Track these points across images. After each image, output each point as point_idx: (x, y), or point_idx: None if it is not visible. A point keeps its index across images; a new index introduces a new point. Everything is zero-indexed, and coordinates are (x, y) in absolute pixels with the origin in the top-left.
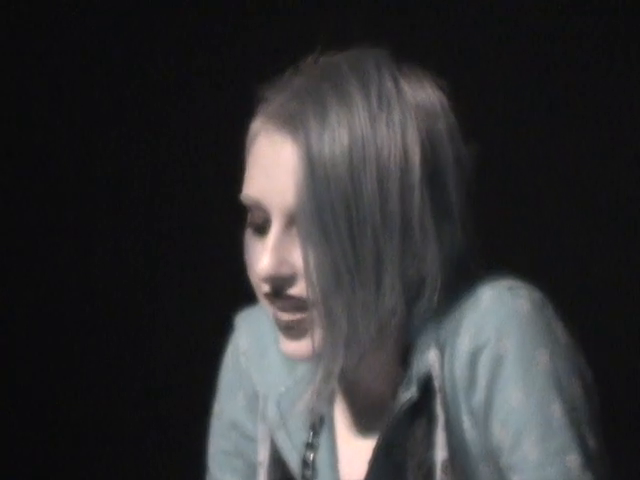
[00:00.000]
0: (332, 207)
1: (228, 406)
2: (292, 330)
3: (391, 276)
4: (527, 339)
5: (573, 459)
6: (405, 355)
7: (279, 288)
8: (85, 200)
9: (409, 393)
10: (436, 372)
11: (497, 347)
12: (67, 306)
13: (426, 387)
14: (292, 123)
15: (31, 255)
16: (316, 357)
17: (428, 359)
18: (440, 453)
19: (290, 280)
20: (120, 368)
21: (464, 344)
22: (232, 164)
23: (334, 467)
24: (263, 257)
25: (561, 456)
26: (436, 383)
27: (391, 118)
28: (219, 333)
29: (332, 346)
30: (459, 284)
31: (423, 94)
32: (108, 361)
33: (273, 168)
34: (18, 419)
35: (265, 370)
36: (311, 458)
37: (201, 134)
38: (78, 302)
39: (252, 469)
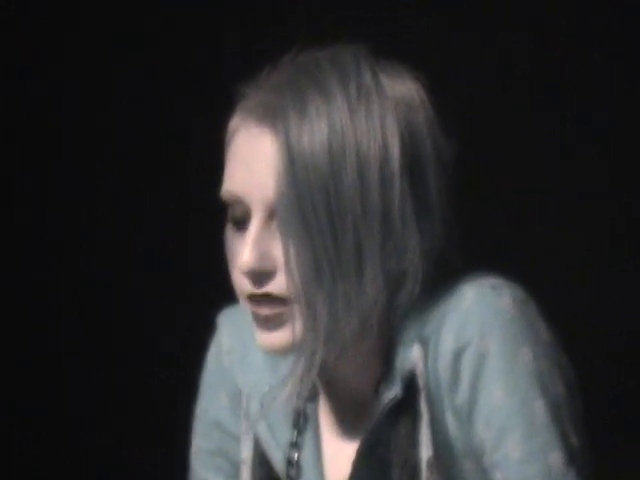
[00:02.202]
0: (312, 199)
1: (211, 406)
2: (269, 323)
3: (372, 268)
4: (510, 338)
5: (556, 456)
6: (387, 351)
7: (260, 283)
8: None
9: (393, 391)
10: (420, 370)
11: (480, 346)
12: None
13: (410, 385)
14: (271, 116)
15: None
16: (296, 350)
17: (411, 356)
18: (425, 451)
19: (271, 274)
20: (104, 368)
21: (447, 342)
22: (214, 162)
23: (319, 466)
24: (244, 251)
25: (544, 454)
26: (420, 381)
27: (370, 110)
28: (202, 333)
29: (312, 339)
30: (440, 277)
31: (402, 87)
32: (91, 362)
33: (252, 162)
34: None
35: (248, 369)
36: (295, 457)
37: (183, 133)
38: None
39: (236, 468)
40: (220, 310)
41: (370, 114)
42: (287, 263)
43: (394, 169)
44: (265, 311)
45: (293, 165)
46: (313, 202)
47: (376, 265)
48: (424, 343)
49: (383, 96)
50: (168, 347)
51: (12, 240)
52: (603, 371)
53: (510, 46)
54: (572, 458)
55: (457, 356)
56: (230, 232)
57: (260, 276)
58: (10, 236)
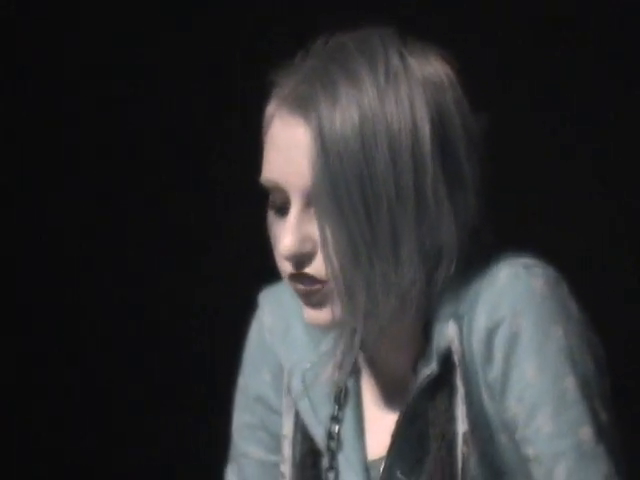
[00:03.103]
0: (346, 184)
1: (253, 381)
2: (311, 298)
3: (408, 248)
4: (542, 316)
5: (586, 431)
6: (425, 329)
7: (301, 265)
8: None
9: (430, 367)
10: (455, 346)
11: (513, 324)
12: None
13: (446, 361)
14: (304, 106)
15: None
16: (337, 329)
17: (447, 333)
18: (461, 425)
19: (311, 257)
20: (146, 349)
21: (481, 320)
22: (253, 148)
23: (360, 439)
24: (285, 236)
25: (574, 429)
26: (456, 357)
27: (399, 93)
28: (243, 312)
29: (352, 319)
30: (475, 254)
31: (429, 68)
32: (133, 339)
33: (289, 150)
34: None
35: (290, 346)
36: (336, 430)
37: (219, 120)
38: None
39: (277, 441)
40: (261, 290)
41: (399, 97)
42: (324, 247)
43: (425, 150)
44: (305, 288)
45: (327, 153)
46: (348, 188)
47: (412, 245)
48: (459, 320)
49: (411, 78)
50: (211, 327)
51: (12, 237)
52: (632, 352)
53: (510, 46)
54: (602, 433)
55: (490, 333)
56: (271, 217)
57: (300, 259)
58: (10, 234)
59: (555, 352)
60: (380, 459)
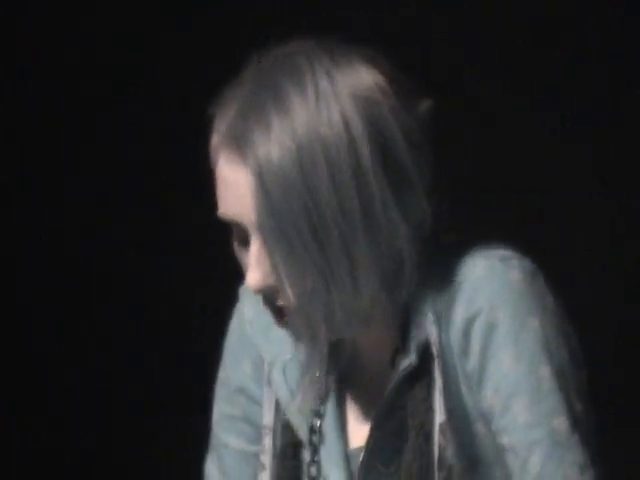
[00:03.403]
0: (293, 218)
1: (234, 372)
2: (287, 327)
3: (365, 270)
4: (518, 308)
5: (561, 421)
6: (403, 324)
7: (270, 297)
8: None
9: (409, 359)
10: (434, 339)
11: (490, 316)
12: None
13: (424, 353)
14: (241, 145)
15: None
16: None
17: (426, 326)
18: (438, 416)
19: (277, 289)
20: (128, 340)
21: (459, 313)
22: None
23: (341, 432)
24: (248, 272)
25: (549, 418)
26: (434, 349)
27: (331, 115)
28: (224, 306)
29: (313, 345)
30: (441, 254)
31: (359, 82)
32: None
33: (235, 188)
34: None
35: (270, 338)
36: (318, 424)
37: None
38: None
39: (258, 432)
40: (241, 283)
41: (332, 120)
42: (279, 283)
43: (367, 168)
44: (277, 320)
45: (268, 190)
46: (294, 222)
47: (368, 267)
48: (438, 314)
49: (341, 97)
50: (190, 320)
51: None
52: (607, 345)
53: (510, 45)
54: (576, 423)
55: (468, 325)
56: (236, 247)
57: (268, 291)
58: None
59: (531, 343)
60: (360, 449)
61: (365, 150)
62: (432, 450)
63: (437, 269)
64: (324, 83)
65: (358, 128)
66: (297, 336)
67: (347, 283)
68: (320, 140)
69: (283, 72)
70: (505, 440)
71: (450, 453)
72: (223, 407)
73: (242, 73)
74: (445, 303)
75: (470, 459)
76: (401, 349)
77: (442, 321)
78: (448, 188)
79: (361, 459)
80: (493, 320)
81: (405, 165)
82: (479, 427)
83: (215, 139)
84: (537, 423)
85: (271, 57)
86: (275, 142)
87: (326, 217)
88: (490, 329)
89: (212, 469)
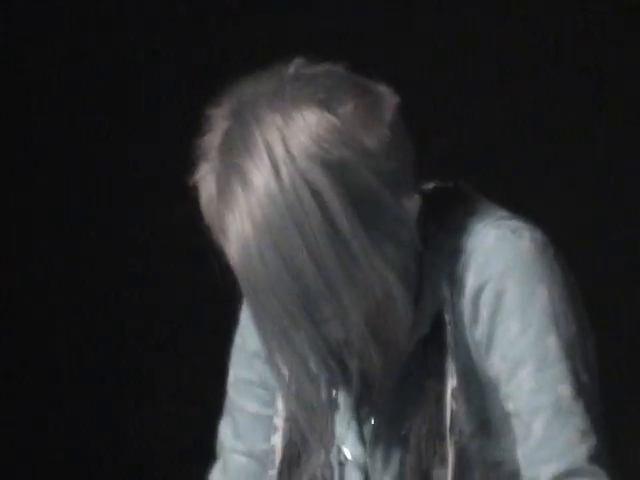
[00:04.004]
0: (283, 308)
1: (250, 337)
2: None
3: (355, 318)
4: (528, 277)
5: (565, 388)
6: (418, 294)
7: None
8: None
9: (422, 328)
10: (447, 307)
11: (499, 284)
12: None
13: (438, 321)
14: (219, 230)
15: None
16: None
17: (439, 296)
18: (450, 381)
19: None
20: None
21: (469, 281)
22: None
23: (355, 399)
24: None
25: (554, 385)
26: (447, 317)
27: (295, 184)
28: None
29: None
30: (452, 221)
31: (315, 135)
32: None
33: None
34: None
35: None
36: (334, 394)
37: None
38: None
39: (272, 396)
40: None
41: (296, 187)
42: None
43: (342, 225)
44: None
45: (251, 281)
46: (283, 305)
47: (358, 317)
48: (450, 282)
49: (299, 160)
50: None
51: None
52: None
53: (509, 45)
54: (580, 391)
55: (477, 293)
56: None
57: None
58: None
59: (539, 312)
60: (373, 412)
61: (338, 212)
62: (444, 415)
63: (450, 239)
64: (280, 153)
65: (327, 192)
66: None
67: (339, 336)
68: (290, 215)
69: (240, 149)
70: (510, 406)
71: (461, 418)
72: (239, 371)
73: (205, 139)
74: (457, 274)
75: (479, 424)
76: (416, 319)
77: (454, 290)
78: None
79: (372, 422)
80: (502, 288)
81: (384, 206)
82: (488, 393)
83: (203, 214)
84: (541, 390)
85: (228, 128)
86: (247, 227)
87: (313, 294)
88: (499, 297)
89: (227, 431)
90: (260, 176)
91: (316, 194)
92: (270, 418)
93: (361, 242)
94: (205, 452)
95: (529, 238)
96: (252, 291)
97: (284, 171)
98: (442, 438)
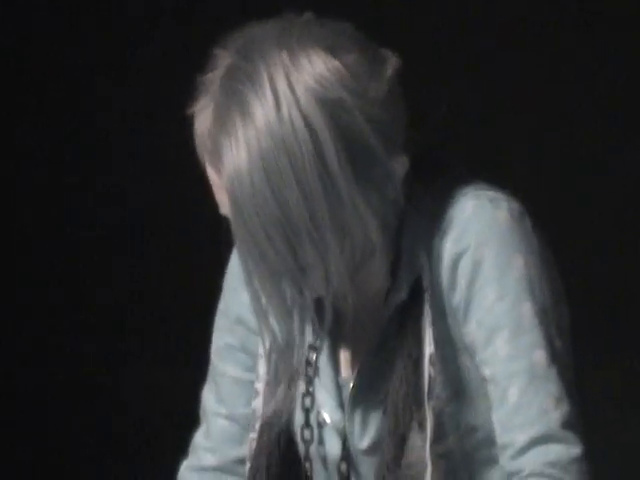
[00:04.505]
0: (264, 228)
1: (233, 303)
2: None
3: (336, 267)
4: (504, 246)
5: (539, 355)
6: (395, 263)
7: None
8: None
9: (400, 295)
10: (425, 274)
11: (476, 252)
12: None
13: (415, 288)
14: (214, 158)
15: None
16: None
17: (417, 264)
18: (428, 347)
19: None
20: (124, 289)
21: (447, 250)
22: None
23: (334, 364)
24: None
25: (528, 352)
26: (425, 284)
27: (294, 121)
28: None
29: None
30: (431, 191)
31: (319, 80)
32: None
33: (219, 192)
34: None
35: None
36: (314, 358)
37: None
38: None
39: (254, 361)
40: None
41: (295, 125)
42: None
43: (333, 167)
44: None
45: (238, 202)
46: (265, 230)
47: (340, 259)
48: (429, 250)
49: (302, 100)
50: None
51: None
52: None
53: (510, 45)
54: (554, 358)
55: (455, 261)
56: None
57: None
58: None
59: (515, 280)
60: (351, 377)
61: (331, 152)
62: (420, 379)
63: (428, 208)
64: (283, 87)
65: (323, 131)
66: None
67: (319, 281)
68: (285, 148)
69: (243, 81)
70: (487, 372)
71: (438, 383)
72: (222, 337)
73: (208, 76)
74: (435, 241)
75: (455, 390)
76: (394, 285)
77: (432, 258)
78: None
79: (351, 385)
80: (479, 257)
81: (373, 150)
82: (464, 359)
83: (197, 144)
84: (517, 356)
85: (233, 62)
86: (242, 153)
87: (297, 226)
88: (476, 265)
89: (209, 396)
90: (260, 107)
91: (312, 130)
92: (252, 383)
93: (348, 184)
94: (192, 418)
95: (506, 208)
96: (238, 212)
97: (284, 104)
98: (420, 403)
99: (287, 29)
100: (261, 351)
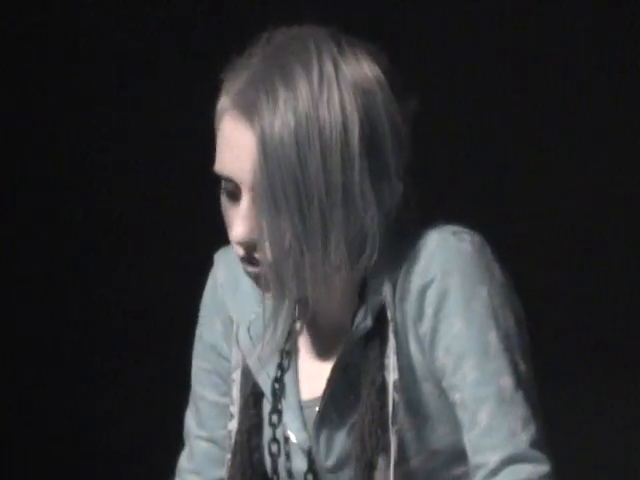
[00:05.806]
0: (283, 185)
1: (207, 331)
2: (260, 280)
3: (336, 239)
4: (468, 276)
5: (506, 380)
6: (362, 291)
7: (250, 250)
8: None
9: (365, 322)
10: (389, 304)
11: (442, 283)
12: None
13: (380, 317)
14: (249, 112)
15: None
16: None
17: (382, 293)
18: (392, 374)
19: (257, 244)
20: (108, 304)
21: (414, 281)
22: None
23: (296, 385)
24: (236, 225)
25: (496, 378)
26: (389, 313)
27: (331, 99)
28: (203, 270)
29: (280, 303)
30: (407, 226)
31: (361, 73)
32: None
33: (237, 149)
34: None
35: (238, 300)
36: (279, 375)
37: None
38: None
39: (228, 385)
40: (217, 250)
41: (331, 103)
42: (261, 238)
43: (354, 152)
44: (253, 270)
45: (267, 157)
46: (284, 188)
47: (340, 236)
48: (393, 282)
49: (343, 84)
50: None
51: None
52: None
53: (509, 45)
54: (520, 382)
55: (422, 292)
56: (224, 201)
57: (249, 245)
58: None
59: (480, 309)
60: (316, 400)
61: (355, 136)
62: (385, 405)
63: (395, 244)
64: (329, 68)
65: (353, 115)
66: (266, 287)
67: (319, 247)
68: (318, 120)
69: (292, 51)
70: (456, 396)
71: (401, 409)
72: (199, 362)
73: (252, 48)
74: (402, 273)
75: (416, 415)
76: (359, 313)
77: (398, 289)
78: (416, 182)
79: (318, 408)
80: (445, 287)
81: (386, 154)
82: (426, 386)
83: (224, 101)
84: (485, 381)
85: (282, 36)
86: (279, 114)
87: (311, 189)
88: (442, 295)
89: (191, 420)
90: (305, 80)
91: (345, 116)
92: (227, 406)
93: (362, 173)
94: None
95: (469, 240)
96: (264, 161)
97: (326, 85)
98: (385, 428)
99: (335, 33)
100: (234, 376)
